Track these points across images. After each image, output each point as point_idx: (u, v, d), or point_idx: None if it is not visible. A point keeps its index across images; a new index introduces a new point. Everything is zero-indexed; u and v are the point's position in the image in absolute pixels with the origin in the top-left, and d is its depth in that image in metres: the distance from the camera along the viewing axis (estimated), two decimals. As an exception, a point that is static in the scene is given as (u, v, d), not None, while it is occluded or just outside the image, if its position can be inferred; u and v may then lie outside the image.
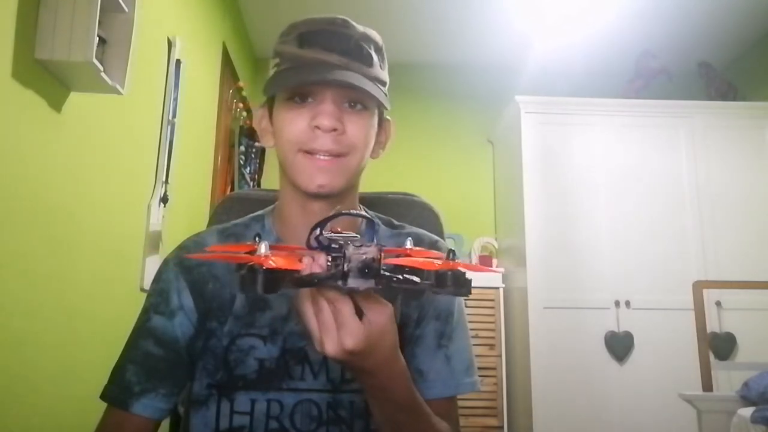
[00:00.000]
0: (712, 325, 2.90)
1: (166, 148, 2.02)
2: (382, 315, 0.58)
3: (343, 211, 0.59)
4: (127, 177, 1.77)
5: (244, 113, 3.19)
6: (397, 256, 0.59)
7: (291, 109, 0.77)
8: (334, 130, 0.75)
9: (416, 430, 0.70)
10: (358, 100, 0.78)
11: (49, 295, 1.35)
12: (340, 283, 0.52)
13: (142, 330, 0.81)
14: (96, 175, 1.56)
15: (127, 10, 1.39)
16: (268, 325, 0.80)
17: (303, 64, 0.76)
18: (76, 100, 1.41)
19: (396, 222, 0.91)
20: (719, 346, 2.90)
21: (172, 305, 0.80)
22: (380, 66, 0.81)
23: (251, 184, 3.13)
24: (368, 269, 0.52)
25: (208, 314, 0.81)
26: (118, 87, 1.38)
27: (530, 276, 3.02)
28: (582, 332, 2.97)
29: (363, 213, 0.83)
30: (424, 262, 0.54)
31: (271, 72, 0.80)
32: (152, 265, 1.90)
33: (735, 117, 3.26)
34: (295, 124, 0.77)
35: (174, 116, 2.06)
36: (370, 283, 0.52)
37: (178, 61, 2.10)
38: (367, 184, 0.91)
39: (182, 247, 0.85)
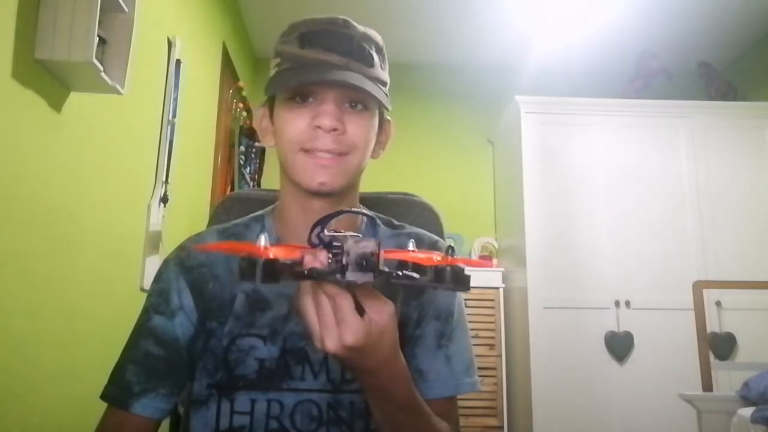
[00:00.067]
0: (712, 325, 2.90)
1: (166, 148, 2.02)
2: (383, 313, 0.58)
3: (345, 209, 0.59)
4: (127, 177, 1.77)
5: (244, 113, 3.19)
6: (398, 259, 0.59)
7: (292, 109, 0.78)
8: (335, 130, 0.75)
9: (416, 430, 0.70)
10: (358, 101, 0.78)
11: (49, 295, 1.35)
12: (338, 276, 0.52)
13: (142, 330, 0.81)
14: (96, 175, 1.56)
15: (127, 10, 1.39)
16: (268, 325, 0.80)
17: (304, 64, 0.76)
18: (76, 100, 1.41)
19: (396, 222, 0.91)
20: (719, 346, 2.90)
21: (172, 305, 0.80)
22: (381, 66, 0.81)
23: (251, 184, 3.13)
24: (366, 262, 0.52)
25: (208, 314, 0.81)
26: (118, 87, 1.39)
27: (530, 276, 3.02)
28: (582, 332, 2.97)
29: (364, 211, 0.83)
30: (424, 257, 0.54)
31: (272, 72, 0.80)
32: (152, 265, 1.90)
33: (735, 117, 3.26)
34: (296, 124, 0.77)
35: (174, 116, 2.06)
36: (369, 277, 0.52)
37: (178, 61, 2.10)
38: (367, 184, 0.91)
39: (182, 248, 0.85)
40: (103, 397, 0.79)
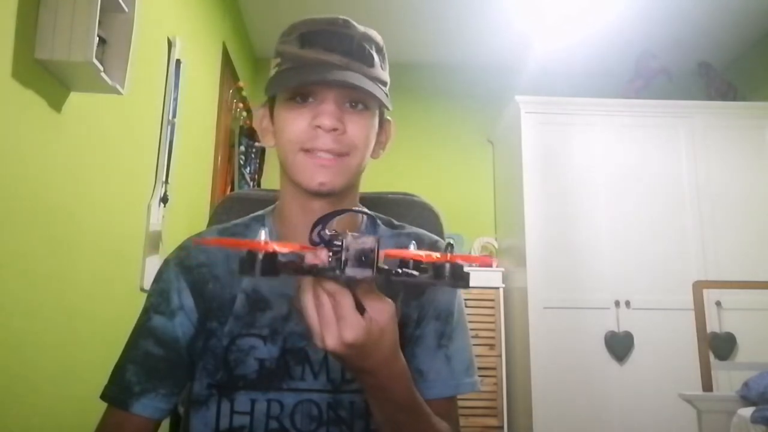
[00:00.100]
0: (712, 325, 2.90)
1: (166, 148, 2.02)
2: (383, 313, 0.59)
3: (346, 208, 0.59)
4: (127, 177, 1.77)
5: (244, 113, 3.19)
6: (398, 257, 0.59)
7: (292, 108, 0.78)
8: (335, 129, 0.75)
9: (416, 430, 0.70)
10: (359, 100, 0.78)
11: (49, 295, 1.35)
12: (337, 272, 0.53)
13: (142, 330, 0.81)
14: (96, 175, 1.56)
15: (127, 10, 1.39)
16: (268, 325, 0.80)
17: (304, 64, 0.76)
18: (76, 100, 1.41)
19: (396, 222, 0.91)
20: (719, 346, 2.90)
21: (172, 305, 0.80)
22: (381, 66, 0.81)
23: (251, 184, 3.13)
24: (365, 257, 0.52)
25: (209, 314, 0.81)
26: (118, 87, 1.39)
27: (530, 276, 3.02)
28: (582, 332, 2.97)
29: (365, 210, 0.83)
30: (423, 254, 0.55)
31: (272, 72, 0.80)
32: (152, 265, 1.90)
33: (735, 117, 3.26)
34: (296, 123, 0.77)
35: (174, 116, 2.06)
36: (368, 273, 0.53)
37: (178, 61, 2.10)
38: (367, 184, 0.91)
39: (183, 248, 0.85)
40: (103, 397, 0.79)
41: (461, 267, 0.54)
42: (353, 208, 0.59)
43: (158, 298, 0.81)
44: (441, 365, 0.81)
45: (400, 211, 1.01)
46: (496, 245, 3.63)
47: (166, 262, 0.85)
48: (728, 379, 2.69)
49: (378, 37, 0.82)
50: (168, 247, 1.96)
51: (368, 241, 0.53)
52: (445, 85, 3.90)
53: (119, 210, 1.72)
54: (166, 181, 2.01)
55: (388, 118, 0.87)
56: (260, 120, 0.85)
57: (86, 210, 1.51)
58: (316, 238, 0.57)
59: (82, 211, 1.49)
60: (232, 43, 3.10)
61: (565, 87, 3.62)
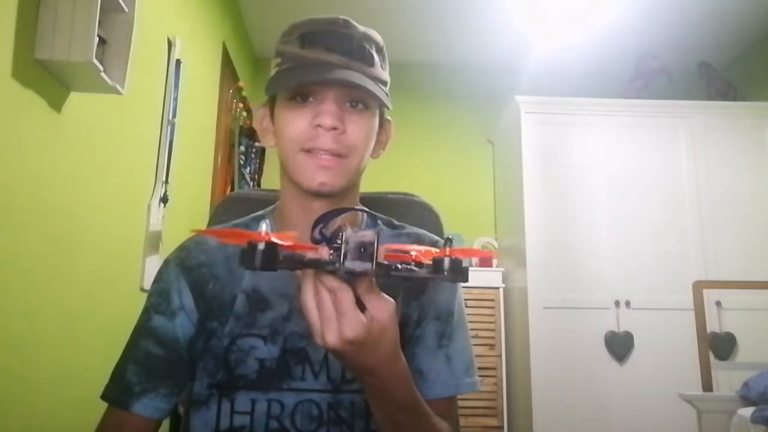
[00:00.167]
0: (712, 325, 2.90)
1: (166, 148, 2.02)
2: (384, 311, 0.59)
3: (347, 207, 0.59)
4: (127, 177, 1.77)
5: (244, 113, 3.19)
6: (399, 251, 0.60)
7: (292, 108, 0.78)
8: (335, 129, 0.75)
9: (416, 430, 0.70)
10: (359, 100, 0.78)
11: (49, 295, 1.35)
12: (337, 265, 0.53)
13: (142, 330, 0.81)
14: (96, 174, 1.56)
15: (127, 10, 1.39)
16: (268, 326, 0.80)
17: (304, 64, 0.76)
18: (76, 100, 1.41)
19: (396, 222, 0.91)
20: (719, 346, 2.90)
21: (172, 305, 0.80)
22: (381, 66, 0.81)
23: (251, 184, 3.13)
24: (364, 249, 0.53)
25: (209, 314, 0.81)
26: (118, 87, 1.39)
27: (530, 276, 3.02)
28: (582, 332, 2.97)
29: (365, 209, 0.83)
30: (423, 250, 0.55)
31: (273, 72, 0.80)
32: (152, 265, 1.90)
33: (735, 117, 3.26)
34: (297, 123, 0.77)
35: (174, 116, 2.06)
36: (367, 265, 0.53)
37: (178, 61, 2.10)
38: (367, 184, 0.91)
39: (183, 248, 0.85)
40: (104, 396, 0.79)
41: (460, 261, 0.54)
42: (355, 207, 0.59)
43: (158, 298, 0.81)
44: (441, 365, 0.82)
45: (400, 211, 1.01)
46: (496, 245, 3.63)
47: (166, 263, 0.85)
48: (728, 379, 2.69)
49: (378, 37, 0.82)
50: (168, 247, 1.96)
51: (368, 234, 0.53)
52: (445, 85, 3.90)
53: (119, 210, 1.72)
54: (166, 181, 2.01)
55: (389, 118, 0.87)
56: (260, 120, 0.85)
57: (86, 210, 1.51)
58: (317, 236, 0.57)
59: (82, 211, 1.49)
60: (232, 43, 3.10)
61: (565, 87, 3.62)
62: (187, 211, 2.34)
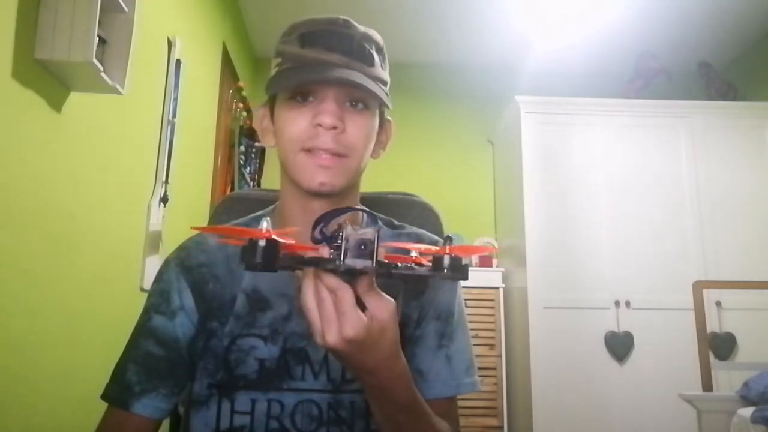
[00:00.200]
0: (712, 325, 2.90)
1: (166, 148, 2.02)
2: (384, 311, 0.59)
3: (348, 207, 0.60)
4: (127, 177, 1.77)
5: (244, 113, 3.19)
6: (398, 250, 0.60)
7: (293, 108, 0.78)
8: (335, 128, 0.75)
9: (416, 430, 0.70)
10: (359, 99, 0.78)
11: (49, 295, 1.35)
12: (337, 262, 0.53)
13: (143, 330, 0.81)
14: (96, 175, 1.56)
15: (127, 10, 1.39)
16: (268, 326, 0.80)
17: (305, 63, 0.76)
18: (76, 100, 1.41)
19: (396, 222, 0.91)
20: (719, 346, 2.90)
21: (173, 305, 0.80)
22: (381, 66, 0.81)
23: (251, 184, 3.13)
24: (365, 246, 0.53)
25: (209, 314, 0.81)
26: (118, 87, 1.39)
27: (530, 276, 3.02)
28: (582, 332, 2.97)
29: (365, 208, 0.83)
30: (423, 248, 0.55)
31: (273, 71, 0.80)
32: (152, 265, 1.90)
33: (735, 117, 3.26)
34: (297, 123, 0.77)
35: (174, 116, 2.06)
36: (367, 263, 0.53)
37: (178, 61, 2.10)
38: (367, 184, 0.91)
39: (183, 248, 0.85)
40: (104, 396, 0.79)
41: (459, 259, 0.54)
42: (355, 207, 0.59)
43: (159, 298, 0.81)
44: (441, 365, 0.82)
45: (400, 211, 1.01)
46: (496, 245, 3.63)
47: (166, 262, 0.85)
48: (728, 379, 2.69)
49: (378, 37, 0.82)
50: (168, 247, 1.96)
51: (368, 232, 0.54)
52: (445, 85, 3.90)
53: (119, 210, 1.72)
54: (166, 181, 2.01)
55: (389, 117, 0.87)
56: (260, 120, 0.85)
57: (86, 210, 1.51)
58: (318, 236, 0.57)
59: (82, 211, 1.49)
60: (232, 43, 3.10)
61: (565, 87, 3.62)
62: (187, 211, 2.34)
